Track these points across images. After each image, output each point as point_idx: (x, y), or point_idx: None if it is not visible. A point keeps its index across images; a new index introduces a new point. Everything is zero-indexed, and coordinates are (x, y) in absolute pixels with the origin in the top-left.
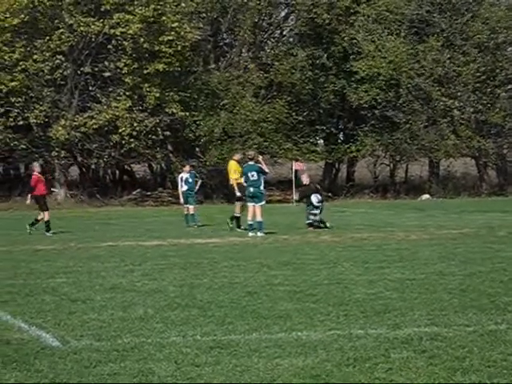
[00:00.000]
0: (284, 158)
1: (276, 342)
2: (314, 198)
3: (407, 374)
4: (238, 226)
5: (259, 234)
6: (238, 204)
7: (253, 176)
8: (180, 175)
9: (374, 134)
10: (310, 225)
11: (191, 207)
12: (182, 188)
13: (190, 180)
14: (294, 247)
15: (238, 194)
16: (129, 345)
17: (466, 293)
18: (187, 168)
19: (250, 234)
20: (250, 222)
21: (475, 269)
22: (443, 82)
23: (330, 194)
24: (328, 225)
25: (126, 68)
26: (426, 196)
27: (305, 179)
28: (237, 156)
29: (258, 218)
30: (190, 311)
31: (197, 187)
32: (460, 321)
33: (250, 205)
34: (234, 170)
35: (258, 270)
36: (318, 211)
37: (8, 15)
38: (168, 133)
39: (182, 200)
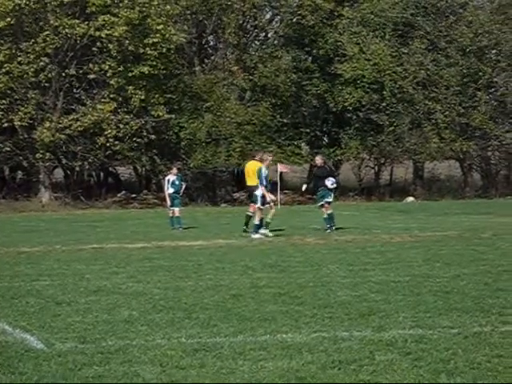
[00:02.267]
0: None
1: (261, 345)
2: (329, 182)
3: (392, 376)
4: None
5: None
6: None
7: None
8: (167, 177)
9: (358, 136)
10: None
11: (177, 210)
12: (168, 190)
13: (177, 182)
14: (279, 249)
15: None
16: (113, 347)
17: (451, 295)
18: (174, 170)
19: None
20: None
21: (459, 271)
22: (426, 85)
23: (314, 197)
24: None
25: (110, 70)
26: (410, 198)
27: (319, 161)
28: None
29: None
30: (175, 314)
31: (182, 190)
32: (444, 323)
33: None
34: (253, 172)
35: (243, 272)
36: (332, 196)
37: None
38: (153, 136)
39: (168, 202)
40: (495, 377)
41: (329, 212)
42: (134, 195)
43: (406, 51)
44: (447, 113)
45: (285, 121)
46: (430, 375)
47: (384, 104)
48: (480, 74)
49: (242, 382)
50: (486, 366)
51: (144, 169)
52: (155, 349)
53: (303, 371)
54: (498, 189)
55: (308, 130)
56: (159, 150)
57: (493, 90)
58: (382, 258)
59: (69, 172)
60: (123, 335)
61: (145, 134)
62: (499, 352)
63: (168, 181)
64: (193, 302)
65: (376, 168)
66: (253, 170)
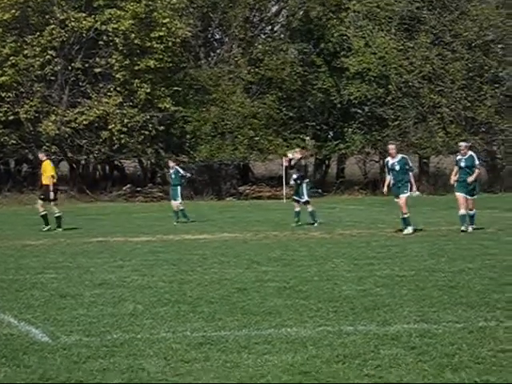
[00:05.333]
0: (274, 154)
1: (265, 339)
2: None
3: (396, 370)
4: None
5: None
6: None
7: None
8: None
9: (362, 131)
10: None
11: (174, 203)
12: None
13: (173, 176)
14: (284, 243)
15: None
16: (118, 341)
17: (456, 289)
18: (170, 164)
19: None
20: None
21: (465, 265)
22: (432, 79)
23: (319, 191)
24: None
25: (117, 64)
26: (416, 192)
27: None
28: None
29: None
30: (180, 307)
31: (182, 181)
32: (449, 317)
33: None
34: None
35: (248, 266)
36: (299, 193)
37: None
38: (161, 127)
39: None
40: (500, 371)
41: (296, 210)
42: (139, 188)
43: (411, 45)
44: (453, 107)
45: (290, 114)
46: (434, 370)
47: (389, 98)
48: (485, 68)
49: (247, 375)
50: (490, 361)
51: (149, 162)
52: (160, 342)
53: (308, 365)
54: (504, 183)
55: (313, 124)
56: (165, 143)
57: (498, 84)
58: (387, 252)
59: (74, 165)
60: (128, 328)
61: (150, 127)
62: (504, 347)
63: (169, 175)
64: (198, 296)
65: (381, 162)
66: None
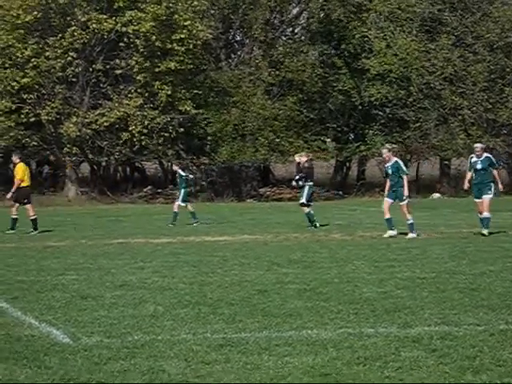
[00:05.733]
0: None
1: (286, 341)
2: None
3: (417, 373)
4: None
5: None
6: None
7: None
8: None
9: (383, 132)
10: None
11: (175, 204)
12: None
13: (178, 179)
14: (304, 245)
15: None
16: (139, 342)
17: (477, 292)
18: (174, 167)
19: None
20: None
21: (486, 268)
22: (453, 81)
23: (340, 193)
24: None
25: (137, 66)
26: (436, 195)
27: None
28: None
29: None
30: (201, 309)
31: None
32: (470, 320)
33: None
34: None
35: (268, 268)
36: (303, 195)
37: (21, 12)
38: (182, 129)
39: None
40: None
41: (305, 212)
42: (159, 190)
43: (433, 47)
44: (474, 109)
45: (311, 116)
46: (455, 372)
47: (411, 99)
48: (507, 69)
49: (267, 377)
50: None
51: (170, 164)
52: (180, 344)
53: (328, 367)
54: None
55: (334, 126)
56: (185, 145)
57: None
58: (408, 254)
59: (95, 167)
60: (149, 330)
61: (171, 129)
62: None
63: None
64: (218, 298)
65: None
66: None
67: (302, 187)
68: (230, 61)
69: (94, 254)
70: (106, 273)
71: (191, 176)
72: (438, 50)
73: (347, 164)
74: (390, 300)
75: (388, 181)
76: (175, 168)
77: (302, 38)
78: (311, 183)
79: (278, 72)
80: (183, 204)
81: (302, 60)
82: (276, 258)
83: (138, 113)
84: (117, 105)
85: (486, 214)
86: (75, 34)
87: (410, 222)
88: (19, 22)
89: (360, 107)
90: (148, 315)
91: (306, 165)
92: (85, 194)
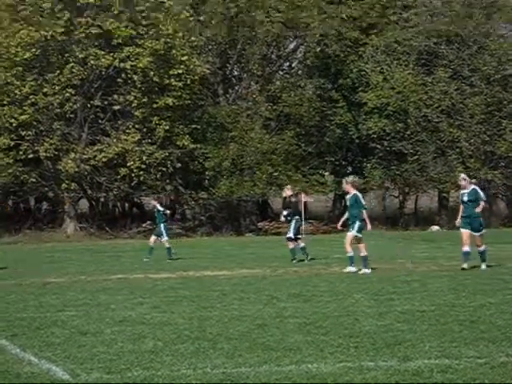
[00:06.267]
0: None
1: (286, 375)
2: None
3: None
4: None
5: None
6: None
7: None
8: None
9: (381, 165)
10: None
11: (155, 239)
12: None
13: (156, 215)
14: (303, 279)
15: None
16: (139, 378)
17: (477, 324)
18: (152, 202)
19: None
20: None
21: (485, 300)
22: (451, 113)
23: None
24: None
25: (136, 101)
26: (435, 227)
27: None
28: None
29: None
30: (200, 344)
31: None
32: (471, 353)
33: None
34: None
35: (267, 302)
36: (291, 230)
37: (19, 49)
38: (180, 164)
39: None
40: None
41: (290, 247)
42: None
43: (430, 80)
44: (472, 141)
45: (309, 150)
46: None
47: (408, 132)
48: (504, 102)
49: None
50: None
51: (168, 199)
52: (180, 379)
53: None
54: None
55: (332, 159)
56: (184, 180)
57: None
58: (407, 287)
59: (94, 203)
60: (148, 365)
61: (169, 164)
62: None
63: None
64: (217, 332)
65: (400, 197)
66: None
67: (290, 222)
68: (228, 96)
69: (94, 289)
70: (105, 308)
71: (168, 211)
72: (435, 83)
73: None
74: (389, 333)
75: (347, 213)
76: (153, 203)
77: (299, 72)
78: (297, 217)
79: (275, 106)
80: (166, 237)
81: (299, 94)
82: (275, 292)
83: (136, 148)
84: (115, 140)
85: (481, 248)
86: (73, 70)
87: (350, 254)
88: (18, 59)
89: (358, 140)
90: (147, 351)
91: (293, 199)
92: (83, 230)
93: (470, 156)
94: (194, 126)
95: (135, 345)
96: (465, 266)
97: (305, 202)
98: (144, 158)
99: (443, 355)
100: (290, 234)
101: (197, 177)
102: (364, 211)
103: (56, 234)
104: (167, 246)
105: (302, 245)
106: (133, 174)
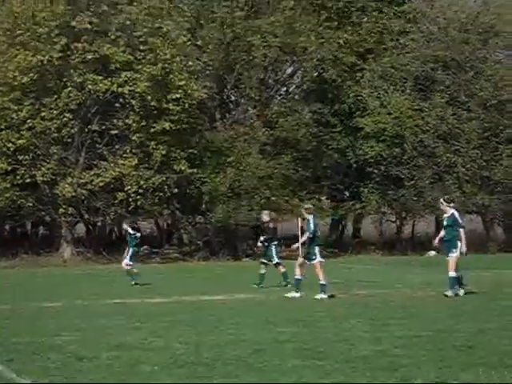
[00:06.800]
0: (290, 214)
1: None
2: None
3: None
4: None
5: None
6: None
7: None
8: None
9: (378, 190)
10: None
11: (124, 262)
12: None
13: (128, 238)
14: (300, 304)
15: None
16: None
17: (475, 350)
18: (123, 225)
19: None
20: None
21: (483, 326)
22: (447, 139)
23: (336, 250)
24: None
25: (134, 125)
26: (432, 252)
27: (265, 218)
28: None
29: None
30: (197, 368)
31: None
32: (468, 378)
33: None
34: None
35: (264, 327)
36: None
37: (17, 73)
38: (176, 190)
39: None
40: None
41: (282, 271)
42: (155, 250)
43: (426, 105)
44: (468, 166)
45: (306, 174)
46: None
47: (405, 157)
48: (501, 127)
49: None
50: None
51: (165, 223)
52: None
53: None
54: None
55: (329, 184)
56: (181, 205)
57: None
58: (404, 312)
59: (91, 227)
60: None
61: (166, 188)
62: None
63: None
64: (214, 357)
65: (397, 222)
66: None
67: (268, 247)
68: (225, 120)
69: (90, 314)
70: (102, 333)
71: (139, 235)
72: (432, 108)
73: (342, 222)
74: (386, 358)
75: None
76: (125, 226)
77: (296, 96)
78: (276, 242)
79: (272, 131)
80: (130, 262)
81: (296, 119)
82: (272, 317)
83: (134, 173)
84: (112, 165)
85: (450, 273)
86: (71, 94)
87: (322, 282)
88: (16, 83)
89: (355, 165)
90: (144, 376)
91: (270, 225)
92: (80, 255)
93: (466, 181)
94: (190, 151)
95: (132, 370)
96: (447, 293)
97: (301, 227)
98: (141, 182)
99: (440, 380)
100: (276, 260)
101: (194, 201)
102: (462, 230)
103: (53, 259)
104: (127, 268)
105: (263, 272)
106: (130, 199)
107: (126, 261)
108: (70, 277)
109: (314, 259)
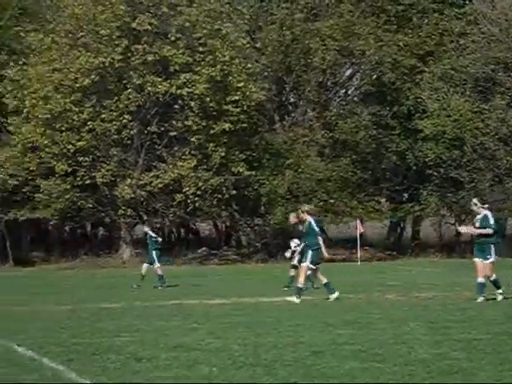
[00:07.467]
0: (349, 217)
1: None
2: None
3: None
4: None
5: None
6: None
7: None
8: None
9: (438, 193)
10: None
11: (149, 267)
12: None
13: (148, 241)
14: (358, 306)
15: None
16: None
17: None
18: (144, 228)
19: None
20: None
21: None
22: (508, 141)
23: (394, 253)
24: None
25: (195, 126)
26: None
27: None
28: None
29: None
30: (255, 370)
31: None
32: None
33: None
34: None
35: (322, 329)
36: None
37: (79, 75)
38: (234, 191)
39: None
40: None
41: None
42: (214, 251)
43: (486, 107)
44: None
45: (365, 177)
46: None
47: (465, 160)
48: None
49: None
50: None
51: (224, 225)
52: None
53: None
54: None
55: (388, 186)
56: (239, 206)
57: None
58: (464, 315)
59: None
60: None
61: (224, 190)
62: None
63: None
64: (272, 359)
65: (457, 224)
66: None
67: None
68: (284, 122)
69: (148, 315)
70: (160, 334)
71: (160, 239)
72: (492, 111)
73: (401, 224)
74: (445, 362)
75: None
76: (145, 229)
77: (355, 99)
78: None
79: (331, 133)
80: (159, 264)
81: (355, 121)
82: (330, 319)
83: (192, 174)
84: (171, 166)
85: (479, 280)
86: (130, 96)
87: (300, 286)
88: (77, 85)
89: (414, 167)
90: (202, 377)
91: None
92: (139, 256)
93: None
94: (249, 153)
95: (190, 371)
96: (479, 299)
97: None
98: (200, 184)
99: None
100: (308, 263)
101: (252, 203)
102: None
103: (112, 260)
104: (159, 273)
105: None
106: (188, 200)
107: (157, 264)
108: (129, 278)
109: (304, 262)
